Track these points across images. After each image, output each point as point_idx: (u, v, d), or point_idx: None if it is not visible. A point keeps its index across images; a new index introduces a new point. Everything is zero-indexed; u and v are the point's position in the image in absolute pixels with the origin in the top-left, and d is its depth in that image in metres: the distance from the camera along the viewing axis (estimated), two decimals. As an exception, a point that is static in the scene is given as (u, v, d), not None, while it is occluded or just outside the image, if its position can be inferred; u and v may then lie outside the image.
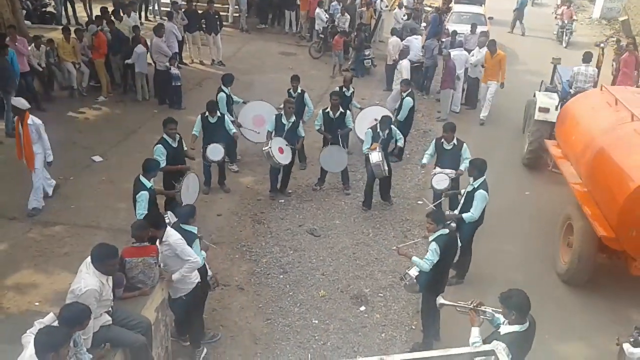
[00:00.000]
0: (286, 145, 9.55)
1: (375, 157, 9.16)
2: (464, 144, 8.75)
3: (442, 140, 8.79)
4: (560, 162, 9.37)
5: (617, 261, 7.76)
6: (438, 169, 8.77)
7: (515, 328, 4.58)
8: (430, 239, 6.28)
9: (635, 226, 6.97)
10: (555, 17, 21.59)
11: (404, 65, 13.27)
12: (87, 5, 18.26)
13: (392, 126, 9.73)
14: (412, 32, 16.11)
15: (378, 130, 9.42)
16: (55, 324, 4.44)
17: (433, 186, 8.70)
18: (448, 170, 8.63)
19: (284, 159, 9.48)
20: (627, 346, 5.58)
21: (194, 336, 6.54)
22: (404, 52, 13.84)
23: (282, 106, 9.92)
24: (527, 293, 4.72)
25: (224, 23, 18.05)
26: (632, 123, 7.69)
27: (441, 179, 8.61)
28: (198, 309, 6.48)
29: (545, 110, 10.80)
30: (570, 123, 9.36)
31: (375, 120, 10.73)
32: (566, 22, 20.93)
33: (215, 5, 16.66)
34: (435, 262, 6.14)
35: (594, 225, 7.39)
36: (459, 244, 6.78)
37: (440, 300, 5.48)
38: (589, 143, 8.20)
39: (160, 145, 8.09)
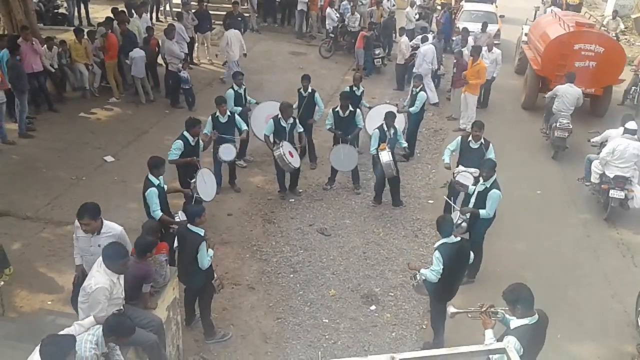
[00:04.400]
0: (293, 148, 9.63)
1: (386, 156, 9.16)
2: (491, 144, 8.63)
3: (470, 138, 8.68)
4: (526, 50, 15.88)
5: (545, 90, 13.57)
6: (462, 167, 8.62)
7: (525, 321, 4.56)
8: (435, 246, 6.26)
9: (550, 62, 13.65)
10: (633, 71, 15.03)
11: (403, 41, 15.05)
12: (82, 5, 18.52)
13: (397, 127, 9.74)
14: (423, 31, 16.05)
15: (385, 129, 9.40)
16: (95, 328, 4.58)
17: (455, 185, 8.46)
18: (472, 169, 8.37)
19: (296, 161, 9.52)
20: None
21: (206, 328, 6.66)
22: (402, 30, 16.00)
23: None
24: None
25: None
26: (558, 21, 14.74)
27: (466, 178, 8.41)
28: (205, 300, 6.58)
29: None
30: (533, 29, 16.08)
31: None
32: None
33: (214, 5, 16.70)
34: (440, 270, 6.07)
35: (533, 65, 14.31)
36: (471, 255, 6.62)
37: (451, 309, 5.44)
38: (540, 31, 15.14)
39: (179, 141, 8.27)
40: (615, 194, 9.36)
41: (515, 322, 4.64)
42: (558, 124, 11.52)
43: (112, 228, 5.72)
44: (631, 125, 9.64)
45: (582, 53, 13.38)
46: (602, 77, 13.42)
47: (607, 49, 13.36)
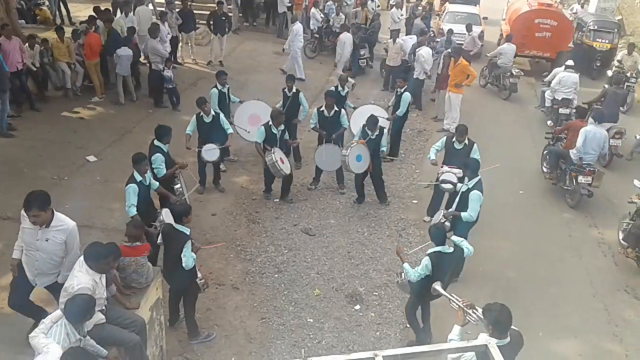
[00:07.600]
0: (284, 155, 9.60)
1: (345, 151, 9.35)
2: (475, 145, 8.72)
3: (454, 139, 8.79)
4: (502, 25, 19.86)
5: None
6: (446, 168, 8.72)
7: (492, 340, 4.46)
8: (427, 252, 6.28)
9: (517, 33, 16.84)
10: None
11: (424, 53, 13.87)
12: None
13: (385, 130, 9.74)
14: (422, 33, 16.12)
15: (366, 129, 9.44)
16: (62, 319, 4.47)
17: (441, 185, 8.62)
18: (456, 170, 8.49)
19: (286, 168, 9.50)
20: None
21: (190, 329, 6.61)
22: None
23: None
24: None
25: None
26: (527, 4, 18.58)
27: (449, 178, 8.53)
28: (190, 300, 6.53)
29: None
30: (509, 8, 20.37)
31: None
32: None
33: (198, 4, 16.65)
34: (423, 276, 6.12)
35: (506, 32, 18.09)
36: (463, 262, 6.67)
37: (436, 286, 5.47)
38: (512, 9, 19.53)
39: (159, 155, 7.93)
40: (563, 110, 12.87)
41: (483, 338, 4.50)
42: (513, 72, 15.41)
43: (63, 221, 5.33)
44: (570, 63, 13.65)
45: (540, 26, 17.56)
46: (555, 45, 17.64)
47: (559, 22, 17.68)
